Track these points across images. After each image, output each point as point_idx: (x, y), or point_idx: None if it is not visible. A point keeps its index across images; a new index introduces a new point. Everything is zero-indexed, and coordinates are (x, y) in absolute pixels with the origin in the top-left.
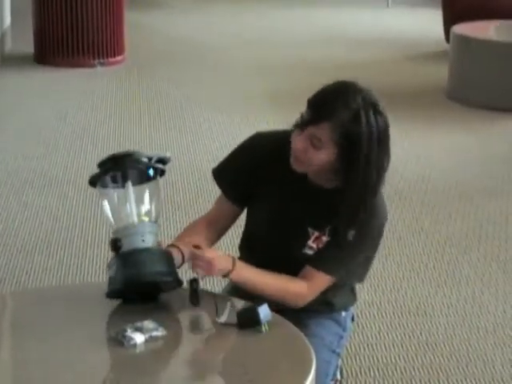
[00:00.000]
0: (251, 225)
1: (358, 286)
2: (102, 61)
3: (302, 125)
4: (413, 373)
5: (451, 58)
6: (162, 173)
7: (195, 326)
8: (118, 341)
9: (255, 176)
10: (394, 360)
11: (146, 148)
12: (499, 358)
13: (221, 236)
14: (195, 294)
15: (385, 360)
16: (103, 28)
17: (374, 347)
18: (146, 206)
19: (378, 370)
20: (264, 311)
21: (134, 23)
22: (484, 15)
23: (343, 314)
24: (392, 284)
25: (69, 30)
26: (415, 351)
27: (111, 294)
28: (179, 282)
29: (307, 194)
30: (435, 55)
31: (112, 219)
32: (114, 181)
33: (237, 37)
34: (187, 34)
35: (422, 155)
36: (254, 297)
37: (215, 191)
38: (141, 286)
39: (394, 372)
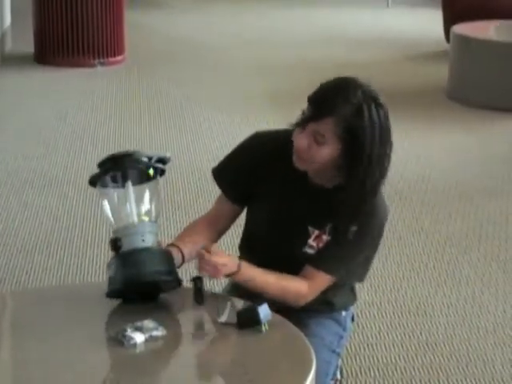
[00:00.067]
0: (251, 224)
1: (358, 286)
2: (102, 61)
3: (303, 122)
4: (413, 373)
5: (451, 57)
6: (161, 173)
7: (195, 325)
8: (118, 340)
9: (255, 175)
10: (393, 360)
11: (146, 148)
12: (499, 358)
13: (221, 235)
14: (199, 293)
15: (385, 360)
16: (103, 28)
17: (374, 347)
18: (145, 206)
19: (377, 370)
20: (264, 311)
21: (134, 23)
22: (484, 15)
23: (343, 313)
24: (392, 284)
25: (69, 30)
26: (415, 351)
27: (111, 294)
28: (179, 282)
29: (307, 193)
30: (435, 55)
31: (112, 219)
32: (114, 181)
33: (237, 37)
34: (187, 34)
35: (422, 155)
36: (254, 296)
37: (215, 191)
38: (141, 285)
39: (394, 372)
